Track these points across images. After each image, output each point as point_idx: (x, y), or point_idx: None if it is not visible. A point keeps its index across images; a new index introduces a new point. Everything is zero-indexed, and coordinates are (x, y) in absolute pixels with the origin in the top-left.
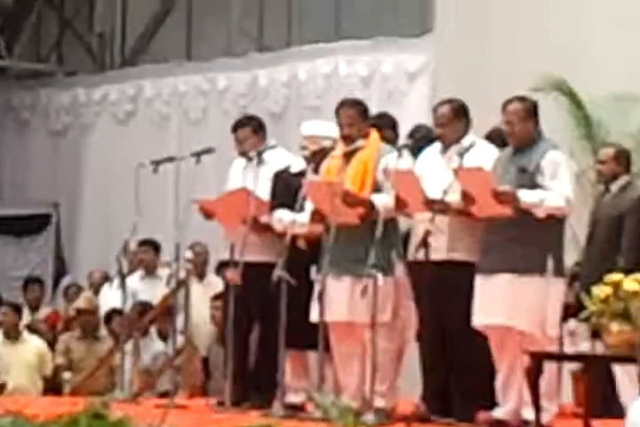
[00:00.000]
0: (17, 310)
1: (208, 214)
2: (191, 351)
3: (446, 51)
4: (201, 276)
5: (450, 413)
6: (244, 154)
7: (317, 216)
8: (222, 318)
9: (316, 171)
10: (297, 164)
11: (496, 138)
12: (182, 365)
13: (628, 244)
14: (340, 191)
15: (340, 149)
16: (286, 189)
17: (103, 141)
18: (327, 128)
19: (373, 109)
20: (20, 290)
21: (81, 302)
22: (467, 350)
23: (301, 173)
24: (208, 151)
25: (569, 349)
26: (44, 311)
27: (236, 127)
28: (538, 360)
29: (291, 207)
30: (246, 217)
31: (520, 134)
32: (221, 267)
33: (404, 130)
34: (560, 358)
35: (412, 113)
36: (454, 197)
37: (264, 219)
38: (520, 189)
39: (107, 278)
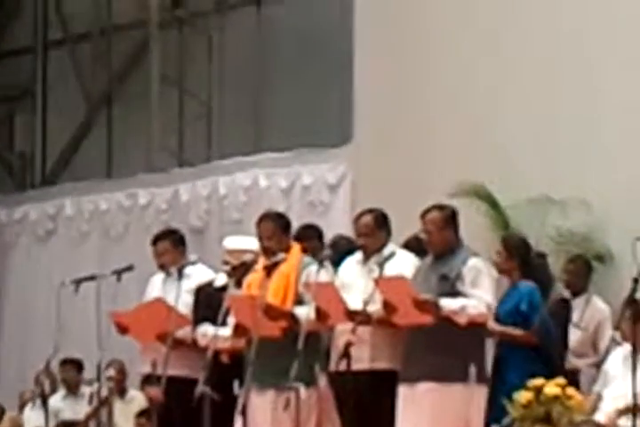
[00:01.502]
0: None
1: (122, 329)
2: None
3: (365, 160)
4: (122, 392)
5: None
6: (162, 267)
7: (240, 330)
8: None
9: (238, 285)
10: (219, 278)
11: (415, 246)
12: None
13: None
14: (261, 305)
15: (261, 262)
16: (209, 304)
17: (24, 260)
18: (248, 242)
19: (295, 221)
20: None
21: (6, 423)
22: None
23: (224, 288)
24: (129, 269)
25: None
26: None
27: (156, 240)
28: None
29: (213, 321)
30: (162, 330)
31: (439, 243)
32: (144, 382)
33: (327, 240)
34: None
35: (334, 223)
36: (376, 307)
37: (180, 333)
38: (441, 297)
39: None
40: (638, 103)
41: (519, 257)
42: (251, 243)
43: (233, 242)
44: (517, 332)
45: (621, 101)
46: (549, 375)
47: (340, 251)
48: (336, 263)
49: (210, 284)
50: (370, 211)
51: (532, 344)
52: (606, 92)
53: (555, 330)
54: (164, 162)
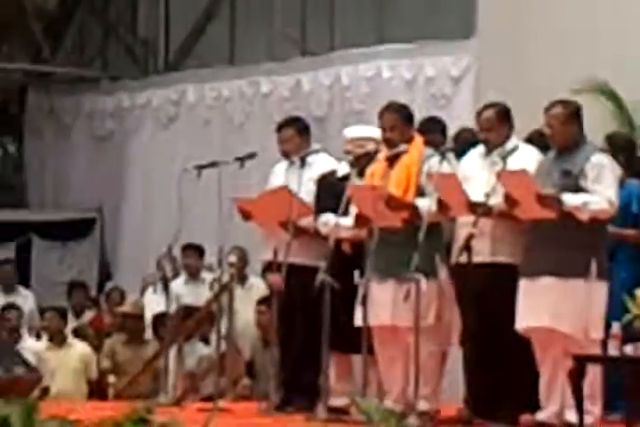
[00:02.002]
0: (62, 314)
1: (246, 215)
2: (235, 355)
3: (489, 54)
4: (243, 279)
5: (493, 416)
6: (285, 154)
7: (361, 220)
8: (267, 322)
9: (360, 175)
10: (341, 168)
11: (537, 140)
12: (226, 368)
13: None
14: (383, 195)
15: (384, 153)
16: (331, 193)
17: (146, 146)
18: (371, 132)
19: (417, 113)
20: (65, 295)
21: (127, 307)
22: (510, 352)
23: (346, 178)
24: (251, 156)
25: (613, 352)
26: (88, 316)
27: (281, 127)
28: (581, 363)
29: (335, 211)
30: (285, 218)
31: (561, 138)
32: (266, 270)
33: (449, 133)
34: (604, 360)
35: (457, 116)
36: (497, 201)
37: (303, 222)
38: (564, 192)
39: (152, 282)
40: None
41: (624, 155)
42: (373, 132)
43: (355, 131)
44: (629, 232)
45: None
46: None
47: (464, 143)
48: (460, 155)
49: (332, 173)
50: (492, 105)
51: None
52: None
53: None
54: (287, 51)
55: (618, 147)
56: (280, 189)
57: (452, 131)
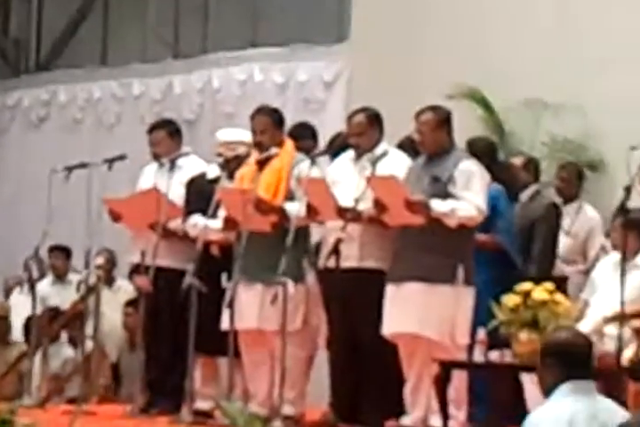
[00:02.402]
0: None
1: (115, 217)
2: (101, 357)
3: (362, 59)
4: (110, 281)
5: (358, 420)
6: (156, 157)
7: (230, 223)
8: (134, 324)
9: (230, 177)
10: (211, 170)
11: (408, 147)
12: (92, 370)
13: (538, 252)
14: (252, 199)
15: (254, 156)
16: (201, 196)
17: (16, 146)
18: (243, 135)
19: (290, 117)
20: None
21: None
22: (376, 357)
23: (216, 180)
24: (121, 158)
25: (478, 357)
26: None
27: (152, 129)
28: (446, 368)
29: (204, 213)
30: (155, 220)
31: (431, 144)
32: (133, 272)
33: (321, 138)
34: (469, 366)
35: (329, 121)
36: (366, 206)
37: (172, 224)
38: (432, 198)
39: (17, 283)
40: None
41: (484, 161)
42: (244, 135)
43: (226, 134)
44: (481, 236)
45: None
46: (511, 281)
47: (340, 147)
48: (334, 159)
49: (202, 176)
50: (362, 110)
51: (495, 249)
52: None
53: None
54: (159, 53)
55: (478, 152)
56: (150, 191)
57: (324, 135)
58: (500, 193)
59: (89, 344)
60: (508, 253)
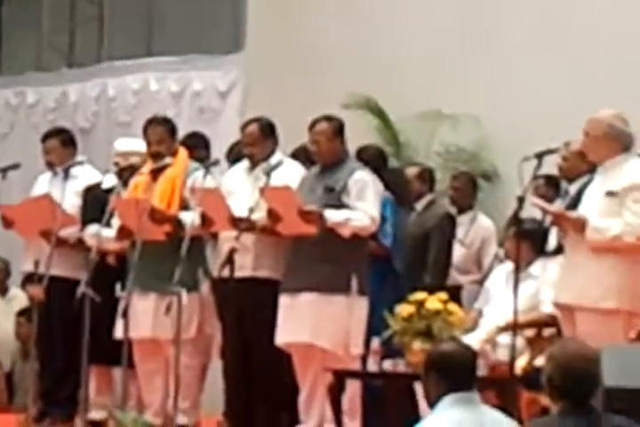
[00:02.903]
0: None
1: (7, 223)
2: None
3: (257, 68)
4: (3, 291)
5: None
6: (50, 165)
7: (124, 232)
8: (26, 334)
9: (126, 187)
10: (107, 180)
11: (301, 156)
12: None
13: (433, 261)
14: (146, 208)
15: (148, 166)
16: (96, 205)
17: None
18: (138, 145)
19: (184, 126)
20: None
21: None
22: (270, 367)
23: (112, 190)
24: (14, 167)
25: (373, 367)
26: None
27: (45, 138)
28: (340, 378)
29: (101, 222)
30: (47, 227)
31: (327, 154)
32: (26, 281)
33: (215, 147)
34: (362, 375)
35: (224, 130)
36: (260, 215)
37: (64, 232)
38: (326, 208)
39: None
40: (533, 16)
41: (373, 168)
42: (140, 145)
43: (123, 144)
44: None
45: (511, 15)
46: (398, 289)
47: (237, 156)
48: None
49: (98, 185)
50: (256, 120)
51: (381, 255)
52: (497, 6)
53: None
54: (54, 61)
55: (368, 159)
56: (42, 198)
57: (218, 145)
58: (387, 199)
59: None
60: (391, 258)
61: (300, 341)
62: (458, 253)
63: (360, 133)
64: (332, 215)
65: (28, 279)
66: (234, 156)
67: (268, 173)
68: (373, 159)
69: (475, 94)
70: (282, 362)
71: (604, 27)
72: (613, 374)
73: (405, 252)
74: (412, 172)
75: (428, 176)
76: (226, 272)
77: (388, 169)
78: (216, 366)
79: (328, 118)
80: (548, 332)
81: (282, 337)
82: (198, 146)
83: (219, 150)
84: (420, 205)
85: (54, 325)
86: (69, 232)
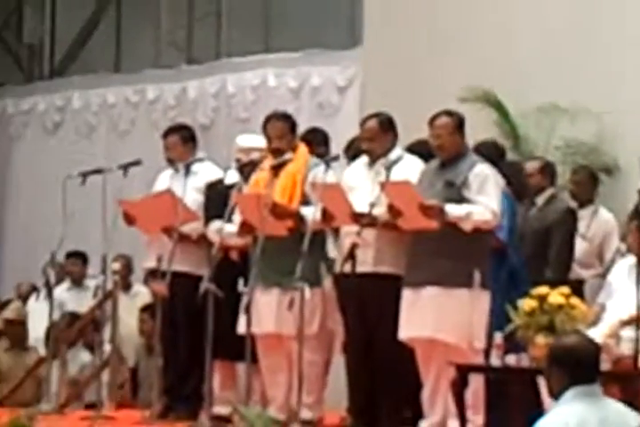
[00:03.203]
0: None
1: (130, 220)
2: (118, 362)
3: (375, 63)
4: (127, 287)
5: (376, 425)
6: (170, 161)
7: (246, 228)
8: (150, 330)
9: (246, 182)
10: (230, 176)
11: (419, 150)
12: (109, 376)
13: (555, 256)
14: (268, 203)
15: (269, 161)
16: (219, 201)
17: (31, 152)
18: (258, 141)
19: (304, 122)
20: None
21: (10, 313)
22: (393, 362)
23: (234, 185)
24: (136, 163)
25: (496, 361)
26: None
27: (166, 134)
28: (463, 373)
29: (223, 218)
30: (169, 223)
31: (448, 148)
32: (149, 277)
33: (335, 143)
34: (486, 370)
35: (343, 126)
36: (381, 211)
37: (186, 228)
38: (447, 202)
39: (34, 289)
40: None
41: (491, 162)
42: (260, 141)
43: (246, 140)
44: None
45: (628, 8)
46: (516, 283)
47: (355, 152)
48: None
49: (220, 181)
50: (375, 115)
51: (496, 249)
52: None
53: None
54: (173, 58)
55: (486, 155)
56: (164, 194)
57: (337, 140)
58: (504, 193)
59: (106, 350)
60: (507, 252)
61: (423, 335)
62: (580, 247)
63: (478, 128)
64: (453, 210)
65: (151, 275)
66: (352, 151)
67: (388, 168)
68: (491, 153)
69: (593, 88)
70: (404, 357)
71: None
72: None
73: (526, 246)
74: (533, 166)
75: (549, 170)
76: (347, 267)
77: (506, 163)
78: (339, 361)
79: (449, 113)
80: None
81: (404, 332)
82: (318, 142)
83: (338, 146)
84: (540, 200)
85: (178, 320)
86: (191, 228)
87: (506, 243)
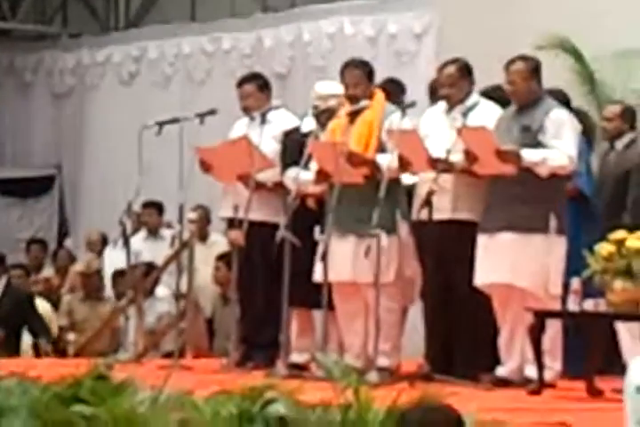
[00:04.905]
0: (25, 270)
1: (206, 167)
2: (195, 312)
3: (451, 9)
4: (204, 237)
5: (453, 371)
6: (245, 110)
7: (322, 176)
8: (223, 279)
9: (323, 130)
10: (306, 124)
11: (495, 96)
12: (186, 325)
13: (633, 200)
14: (344, 151)
15: (345, 109)
16: (295, 148)
17: (107, 103)
18: (336, 88)
19: (381, 70)
20: (24, 251)
21: (80, 265)
22: (470, 308)
23: (310, 133)
24: (212, 112)
25: (573, 307)
26: (47, 272)
27: (241, 83)
28: (540, 318)
29: (299, 166)
30: (245, 170)
31: (523, 93)
32: (228, 227)
33: (411, 90)
34: (563, 315)
35: (420, 72)
36: (458, 157)
37: (262, 176)
38: (523, 147)
39: (105, 239)
40: None
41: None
42: (338, 88)
43: (324, 87)
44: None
45: None
46: (593, 230)
47: (434, 97)
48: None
49: (297, 129)
50: (453, 61)
51: (572, 194)
52: None
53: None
54: (248, 7)
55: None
56: (240, 140)
57: (415, 87)
58: (583, 138)
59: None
60: (587, 197)
61: (500, 281)
62: None
63: (554, 73)
64: (530, 155)
65: (229, 224)
66: (435, 96)
67: (464, 114)
68: (559, 101)
69: None
70: (482, 303)
71: None
72: None
73: (604, 191)
74: (612, 110)
75: (628, 114)
76: (424, 214)
77: (574, 110)
78: (417, 308)
79: (524, 58)
80: None
81: (481, 278)
82: (394, 91)
83: (416, 93)
84: (620, 144)
85: (254, 269)
86: (267, 176)
87: (582, 188)
